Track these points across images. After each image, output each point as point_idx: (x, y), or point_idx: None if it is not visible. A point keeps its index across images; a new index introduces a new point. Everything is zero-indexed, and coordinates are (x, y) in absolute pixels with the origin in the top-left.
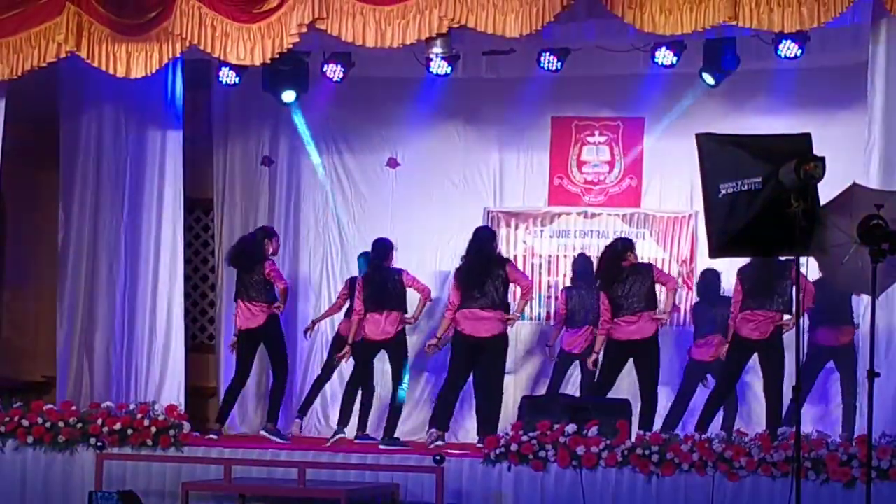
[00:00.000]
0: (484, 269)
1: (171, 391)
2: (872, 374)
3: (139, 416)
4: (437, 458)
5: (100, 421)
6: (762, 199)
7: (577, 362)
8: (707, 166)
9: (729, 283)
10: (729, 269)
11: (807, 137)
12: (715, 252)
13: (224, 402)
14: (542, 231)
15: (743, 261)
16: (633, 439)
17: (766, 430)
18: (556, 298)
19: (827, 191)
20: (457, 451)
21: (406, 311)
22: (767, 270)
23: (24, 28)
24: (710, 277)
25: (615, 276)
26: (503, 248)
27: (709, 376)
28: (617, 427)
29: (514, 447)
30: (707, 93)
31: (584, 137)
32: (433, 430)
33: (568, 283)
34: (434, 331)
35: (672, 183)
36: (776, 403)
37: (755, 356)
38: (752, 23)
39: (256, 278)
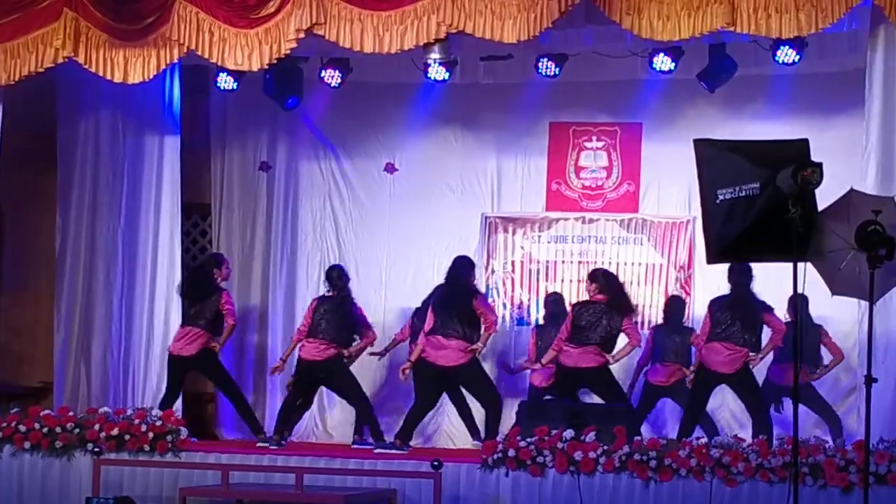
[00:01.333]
0: (456, 297)
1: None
2: (870, 380)
3: (136, 421)
4: (435, 463)
5: (97, 426)
6: (760, 204)
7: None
8: (705, 172)
9: (694, 312)
10: (698, 298)
11: (804, 143)
12: (713, 258)
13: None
14: (539, 237)
15: (716, 292)
16: (631, 445)
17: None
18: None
19: (825, 196)
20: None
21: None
22: (739, 307)
23: (21, 33)
24: (677, 304)
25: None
26: (500, 254)
27: (668, 399)
28: (615, 432)
29: (511, 452)
30: (705, 98)
31: (581, 143)
32: (397, 440)
33: (542, 322)
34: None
35: (670, 188)
36: (763, 421)
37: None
38: (749, 29)
39: (209, 308)
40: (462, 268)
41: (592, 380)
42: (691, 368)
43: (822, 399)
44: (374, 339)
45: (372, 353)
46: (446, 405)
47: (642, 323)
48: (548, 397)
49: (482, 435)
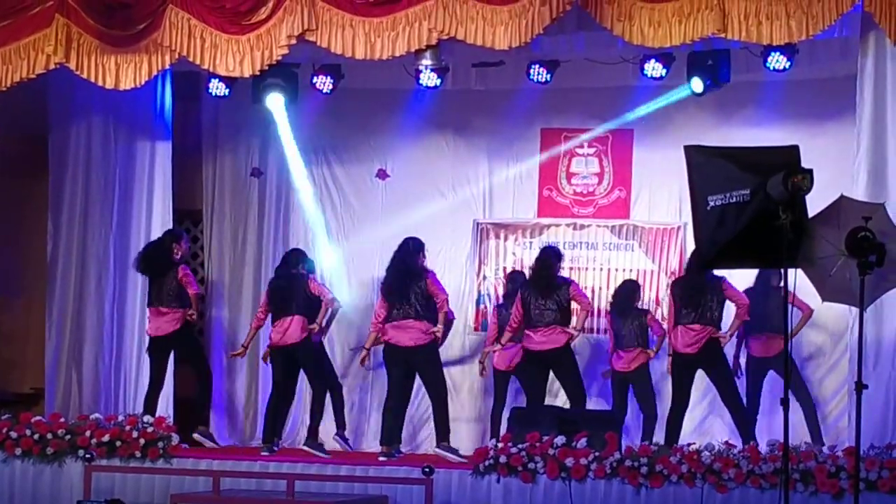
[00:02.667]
0: (406, 280)
1: (160, 403)
2: (861, 386)
3: (128, 427)
4: (427, 469)
5: (88, 433)
6: (750, 211)
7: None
8: (696, 178)
9: (646, 295)
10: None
11: (795, 150)
12: (703, 264)
13: (145, 409)
14: (531, 243)
15: (676, 276)
16: (622, 451)
17: (741, 436)
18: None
19: (815, 202)
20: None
21: (312, 318)
22: (698, 285)
23: (13, 39)
24: (630, 287)
25: (545, 286)
26: (491, 260)
27: (631, 386)
28: (605, 439)
29: (502, 459)
30: (696, 104)
31: (573, 149)
32: (383, 447)
33: (501, 301)
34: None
35: (661, 195)
36: (740, 409)
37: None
38: (740, 35)
39: (170, 284)
40: (410, 251)
41: (555, 361)
42: (657, 352)
43: (799, 375)
44: (332, 300)
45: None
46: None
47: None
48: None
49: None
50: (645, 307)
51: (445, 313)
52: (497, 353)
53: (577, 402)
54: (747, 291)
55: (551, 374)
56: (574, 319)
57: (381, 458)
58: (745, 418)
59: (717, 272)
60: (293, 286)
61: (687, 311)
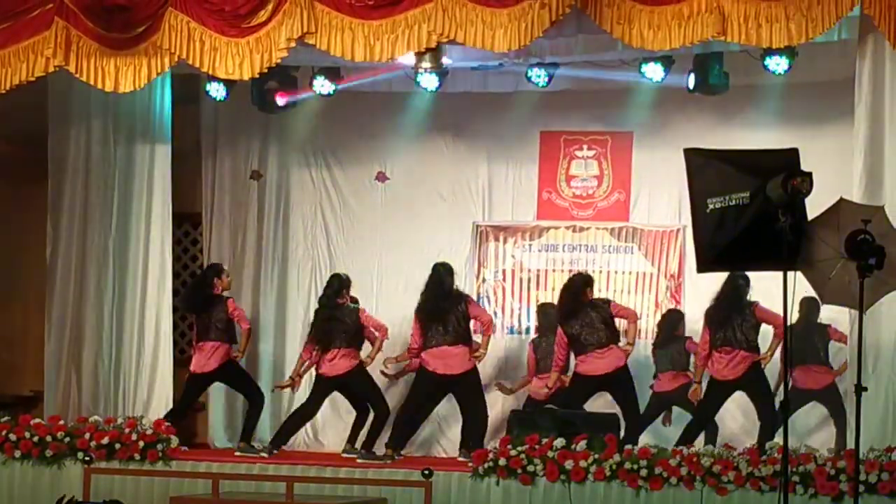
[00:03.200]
0: (445, 304)
1: (159, 405)
2: (860, 389)
3: (127, 430)
4: (426, 472)
5: (87, 435)
6: (750, 213)
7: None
8: (695, 181)
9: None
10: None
11: (794, 152)
12: (703, 266)
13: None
14: (530, 245)
15: (706, 299)
16: (622, 454)
17: (755, 443)
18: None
19: (814, 205)
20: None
21: (359, 350)
22: (731, 309)
23: (12, 42)
24: (674, 317)
25: (574, 311)
26: (491, 263)
27: (670, 416)
28: (605, 441)
29: (502, 461)
30: (695, 107)
31: (572, 152)
32: (388, 450)
33: (534, 334)
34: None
35: (660, 197)
36: (771, 423)
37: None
38: (740, 38)
39: (217, 318)
40: (445, 274)
41: (613, 383)
42: (696, 379)
43: (842, 404)
44: (385, 332)
45: (385, 374)
46: (436, 414)
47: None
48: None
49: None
50: (686, 335)
51: (489, 337)
52: (536, 385)
53: (633, 422)
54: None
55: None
56: (623, 338)
57: (385, 461)
58: (771, 433)
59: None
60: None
61: (721, 337)
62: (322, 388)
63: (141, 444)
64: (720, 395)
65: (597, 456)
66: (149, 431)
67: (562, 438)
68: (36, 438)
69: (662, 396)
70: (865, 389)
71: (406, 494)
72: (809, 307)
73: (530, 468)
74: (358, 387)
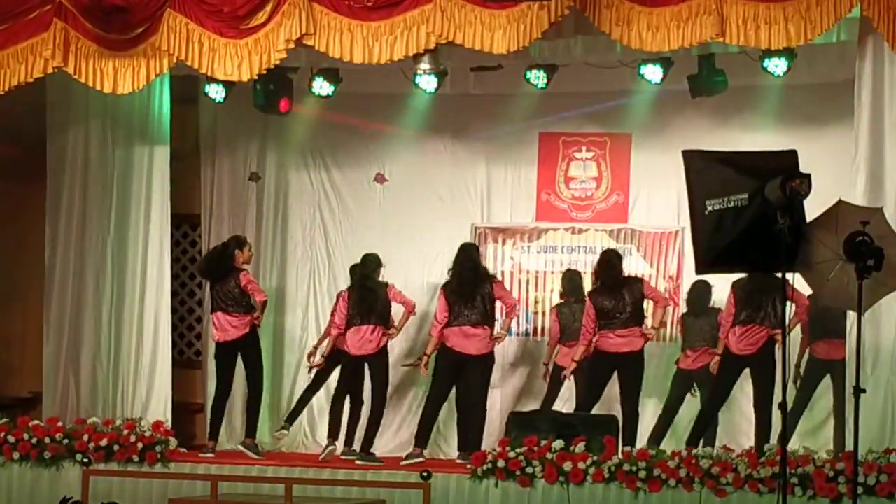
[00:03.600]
0: (474, 284)
1: (158, 407)
2: (858, 391)
3: (125, 432)
4: (424, 474)
5: (86, 437)
6: (748, 215)
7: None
8: (694, 183)
9: (718, 296)
10: (720, 281)
11: (793, 154)
12: (701, 268)
13: (212, 418)
14: (529, 247)
15: (738, 274)
16: (620, 455)
17: (753, 445)
18: (548, 315)
19: (813, 207)
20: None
21: (388, 326)
22: (761, 285)
23: (10, 44)
24: (701, 288)
25: (608, 286)
26: (490, 265)
27: (694, 385)
28: (604, 443)
29: (500, 463)
30: (694, 109)
31: (571, 153)
32: (417, 448)
33: (557, 300)
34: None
35: (659, 199)
36: (765, 418)
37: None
38: (739, 40)
39: (232, 289)
40: (474, 254)
41: (626, 364)
42: (718, 352)
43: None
44: (413, 306)
45: (405, 365)
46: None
47: None
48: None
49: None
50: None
51: (512, 320)
52: (564, 355)
53: (632, 411)
54: (810, 297)
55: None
56: (649, 319)
57: (405, 462)
58: (766, 427)
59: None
60: (372, 293)
61: (747, 313)
62: (347, 366)
63: (139, 445)
64: (735, 370)
65: (595, 458)
66: (147, 433)
67: (560, 440)
68: (34, 440)
69: (687, 374)
70: (864, 391)
71: (405, 496)
72: None
73: (529, 470)
74: (376, 371)
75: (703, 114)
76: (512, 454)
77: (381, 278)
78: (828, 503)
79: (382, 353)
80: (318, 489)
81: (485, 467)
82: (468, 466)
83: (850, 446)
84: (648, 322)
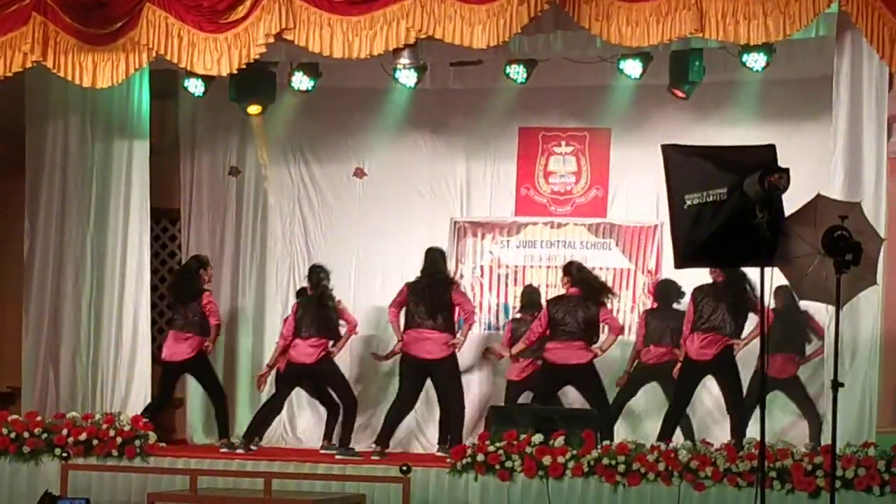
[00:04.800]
0: (435, 290)
1: (137, 401)
2: (837, 385)
3: (105, 426)
4: (404, 468)
5: (65, 431)
6: (727, 210)
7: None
8: (673, 177)
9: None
10: (690, 282)
11: (772, 149)
12: (680, 262)
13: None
14: (508, 241)
15: (700, 279)
16: (599, 449)
17: (731, 441)
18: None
19: (792, 202)
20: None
21: (333, 338)
22: (721, 293)
23: None
24: (670, 287)
25: (566, 298)
26: (469, 259)
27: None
28: (583, 437)
29: (480, 457)
30: (673, 104)
31: (550, 148)
32: (378, 447)
33: (517, 315)
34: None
35: (638, 193)
36: (741, 418)
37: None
38: (718, 35)
39: (195, 310)
40: (439, 260)
41: (577, 377)
42: (681, 356)
43: (806, 393)
44: (355, 325)
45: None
46: (414, 410)
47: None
48: (522, 400)
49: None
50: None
51: (470, 326)
52: (513, 364)
53: (603, 410)
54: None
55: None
56: (601, 340)
57: (373, 458)
58: (743, 429)
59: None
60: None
61: (706, 320)
62: (289, 377)
63: (119, 440)
64: (695, 376)
65: (575, 452)
66: (126, 428)
67: (540, 434)
68: (13, 435)
69: (648, 369)
70: (842, 385)
71: (384, 490)
72: (787, 295)
73: (508, 464)
74: (325, 377)
75: (682, 109)
76: (491, 448)
77: (330, 289)
78: (806, 497)
79: (325, 361)
80: (297, 484)
81: (464, 461)
82: (448, 460)
83: (828, 440)
84: (600, 344)
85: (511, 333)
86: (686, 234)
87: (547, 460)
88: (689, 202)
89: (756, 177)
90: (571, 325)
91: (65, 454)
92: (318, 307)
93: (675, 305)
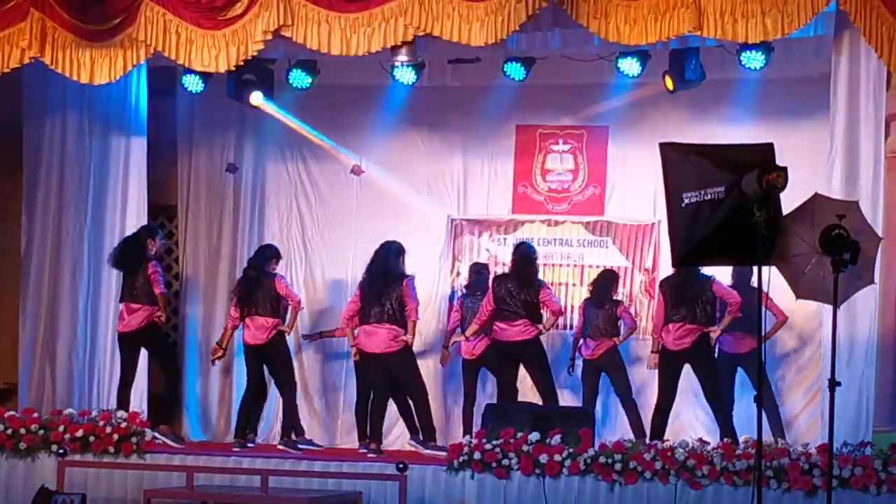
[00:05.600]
0: (382, 284)
1: (134, 398)
2: (834, 384)
3: (101, 423)
4: (401, 465)
5: (62, 428)
6: (725, 208)
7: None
8: (670, 176)
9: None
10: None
11: (769, 147)
12: (678, 261)
13: (118, 405)
14: (505, 239)
15: (665, 273)
16: (596, 447)
17: (721, 436)
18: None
19: (789, 200)
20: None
21: (278, 317)
22: (688, 283)
23: None
24: (607, 277)
25: (511, 277)
26: (466, 256)
27: (604, 373)
28: (580, 435)
29: (477, 455)
30: (671, 102)
31: (548, 146)
32: (361, 442)
33: (464, 291)
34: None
35: (635, 192)
36: (721, 407)
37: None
38: (716, 33)
39: (141, 280)
40: (391, 253)
41: (524, 352)
42: (623, 341)
43: (765, 373)
44: (298, 301)
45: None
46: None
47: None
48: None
49: (419, 434)
50: (619, 298)
51: (414, 322)
52: (463, 343)
53: (549, 394)
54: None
55: (521, 369)
56: (544, 318)
57: (362, 451)
58: (726, 415)
59: (705, 271)
60: (263, 284)
61: (677, 310)
62: (249, 358)
63: (115, 436)
64: (673, 367)
65: (571, 450)
66: (123, 424)
67: (536, 433)
68: (10, 431)
69: (593, 364)
70: (839, 384)
71: (381, 488)
72: (747, 271)
73: (505, 462)
74: (275, 358)
75: (679, 107)
76: (488, 446)
77: (275, 269)
78: (802, 496)
79: (275, 342)
80: (294, 481)
81: (461, 459)
82: (443, 457)
83: (825, 439)
84: (544, 322)
85: (460, 313)
86: (683, 232)
87: (544, 458)
88: (686, 200)
89: (754, 175)
90: (513, 305)
91: (61, 451)
92: (263, 285)
93: (614, 296)
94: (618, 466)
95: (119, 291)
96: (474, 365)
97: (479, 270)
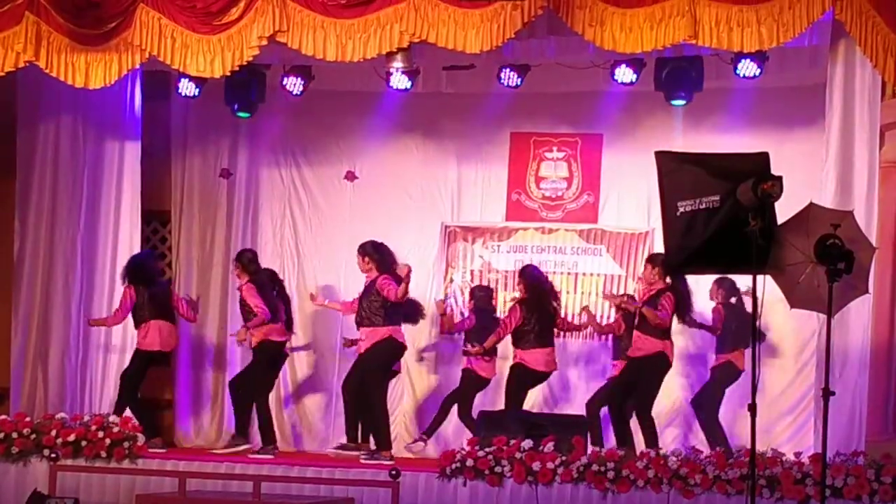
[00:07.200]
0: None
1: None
2: (828, 393)
3: (93, 427)
4: (393, 472)
5: (54, 432)
6: (720, 217)
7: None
8: (665, 184)
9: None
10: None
11: (765, 156)
12: (672, 270)
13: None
14: (499, 246)
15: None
16: (588, 455)
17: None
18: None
19: (784, 210)
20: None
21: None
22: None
23: None
24: (486, 293)
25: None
26: (459, 263)
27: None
28: (573, 443)
29: (469, 462)
30: (666, 110)
31: (542, 153)
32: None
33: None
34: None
35: (630, 200)
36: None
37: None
38: (711, 42)
39: (161, 294)
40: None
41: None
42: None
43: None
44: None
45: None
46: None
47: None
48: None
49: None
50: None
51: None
52: (483, 361)
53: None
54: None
55: None
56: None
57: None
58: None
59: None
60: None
61: (638, 318)
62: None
63: (107, 441)
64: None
65: (564, 458)
66: (115, 429)
67: (529, 440)
68: (2, 435)
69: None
70: (833, 393)
71: (373, 494)
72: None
73: (498, 469)
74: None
75: (674, 115)
76: (481, 453)
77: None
78: None
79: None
80: (286, 486)
81: (454, 466)
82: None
83: (818, 448)
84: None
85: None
86: (678, 240)
87: (536, 466)
88: (681, 209)
89: (749, 184)
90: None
91: (53, 455)
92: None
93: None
94: (610, 475)
95: (111, 295)
96: (484, 382)
97: (478, 295)
